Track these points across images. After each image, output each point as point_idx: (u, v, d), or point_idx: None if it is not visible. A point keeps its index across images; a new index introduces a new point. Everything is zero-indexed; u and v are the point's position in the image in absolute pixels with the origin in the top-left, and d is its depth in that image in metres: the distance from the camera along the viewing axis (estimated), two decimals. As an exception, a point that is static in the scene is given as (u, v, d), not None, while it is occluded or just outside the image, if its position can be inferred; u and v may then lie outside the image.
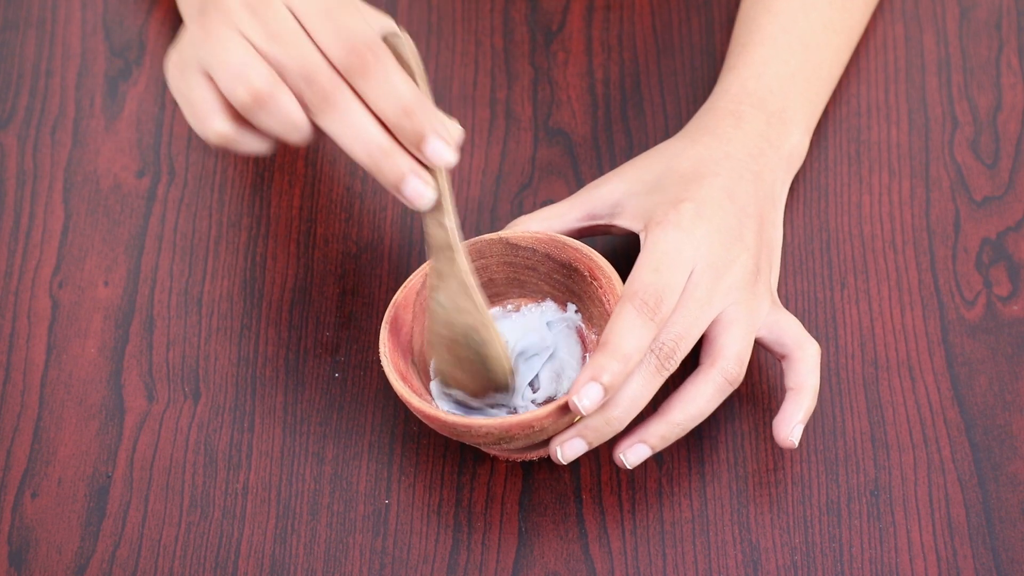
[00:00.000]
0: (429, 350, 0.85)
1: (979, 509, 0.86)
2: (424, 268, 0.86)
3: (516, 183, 0.97)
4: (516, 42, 1.02)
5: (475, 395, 0.84)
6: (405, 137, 0.77)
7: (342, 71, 0.76)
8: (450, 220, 0.80)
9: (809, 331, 0.91)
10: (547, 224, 0.88)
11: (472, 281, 0.82)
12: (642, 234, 0.85)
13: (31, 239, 0.95)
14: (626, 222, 0.87)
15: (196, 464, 0.88)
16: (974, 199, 0.96)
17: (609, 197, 0.88)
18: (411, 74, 0.78)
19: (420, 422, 0.88)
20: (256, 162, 0.98)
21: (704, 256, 0.83)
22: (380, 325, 0.92)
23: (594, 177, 0.97)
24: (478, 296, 0.82)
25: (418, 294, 0.86)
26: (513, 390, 0.84)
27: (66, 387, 0.90)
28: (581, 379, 0.79)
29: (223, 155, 0.98)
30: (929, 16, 1.03)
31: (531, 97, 1.00)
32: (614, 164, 0.97)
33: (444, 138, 0.77)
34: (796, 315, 0.92)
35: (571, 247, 0.86)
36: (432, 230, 0.81)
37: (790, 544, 0.85)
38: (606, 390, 0.79)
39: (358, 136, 0.76)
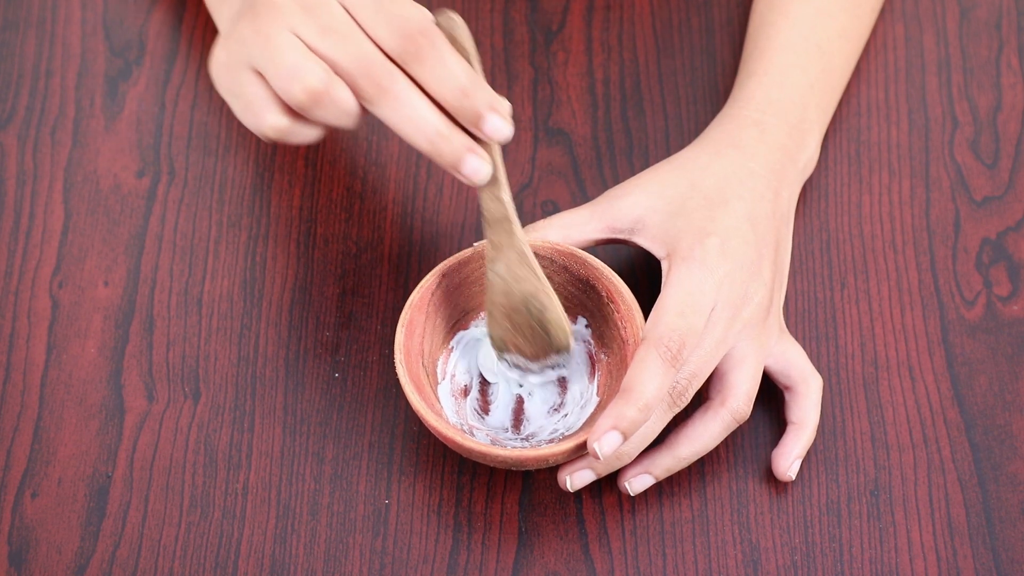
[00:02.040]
0: (488, 319, 0.86)
1: (979, 509, 0.86)
2: (439, 269, 0.86)
3: (516, 183, 0.97)
4: (516, 42, 1.02)
5: (533, 358, 0.86)
6: (464, 117, 0.78)
7: (397, 59, 0.77)
8: (505, 193, 0.81)
9: (809, 331, 0.91)
10: (566, 233, 0.88)
11: (529, 251, 0.83)
12: (664, 263, 0.85)
13: (31, 239, 0.95)
14: (647, 243, 0.87)
15: (196, 464, 0.88)
16: (974, 199, 0.96)
17: (631, 212, 0.87)
18: (464, 54, 0.79)
19: (420, 422, 0.88)
20: (256, 162, 0.98)
21: (725, 295, 0.84)
22: (380, 325, 0.92)
23: (594, 178, 0.97)
24: (535, 264, 0.83)
25: (433, 294, 0.86)
26: (572, 350, 0.85)
27: (66, 387, 0.90)
28: (602, 425, 0.80)
29: (223, 155, 0.98)
30: (929, 16, 1.03)
31: (531, 97, 1.00)
32: (614, 164, 0.97)
33: (501, 114, 0.78)
34: (796, 315, 0.92)
35: (592, 265, 0.86)
36: (488, 204, 0.82)
37: (790, 544, 0.85)
38: (624, 437, 0.80)
39: (415, 123, 0.78)
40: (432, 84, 0.77)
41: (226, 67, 0.80)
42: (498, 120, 0.78)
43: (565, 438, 0.83)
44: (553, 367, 0.86)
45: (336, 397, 0.90)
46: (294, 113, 0.79)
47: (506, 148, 0.98)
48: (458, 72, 0.77)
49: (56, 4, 1.04)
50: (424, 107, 0.78)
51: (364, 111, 0.79)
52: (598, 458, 0.80)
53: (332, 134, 0.99)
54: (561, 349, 0.85)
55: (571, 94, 1.00)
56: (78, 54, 1.02)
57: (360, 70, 0.77)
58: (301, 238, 0.95)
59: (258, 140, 0.99)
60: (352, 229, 0.95)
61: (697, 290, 0.83)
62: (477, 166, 0.79)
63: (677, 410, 0.83)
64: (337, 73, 0.77)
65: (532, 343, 0.85)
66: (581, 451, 0.82)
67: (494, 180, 0.81)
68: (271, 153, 0.98)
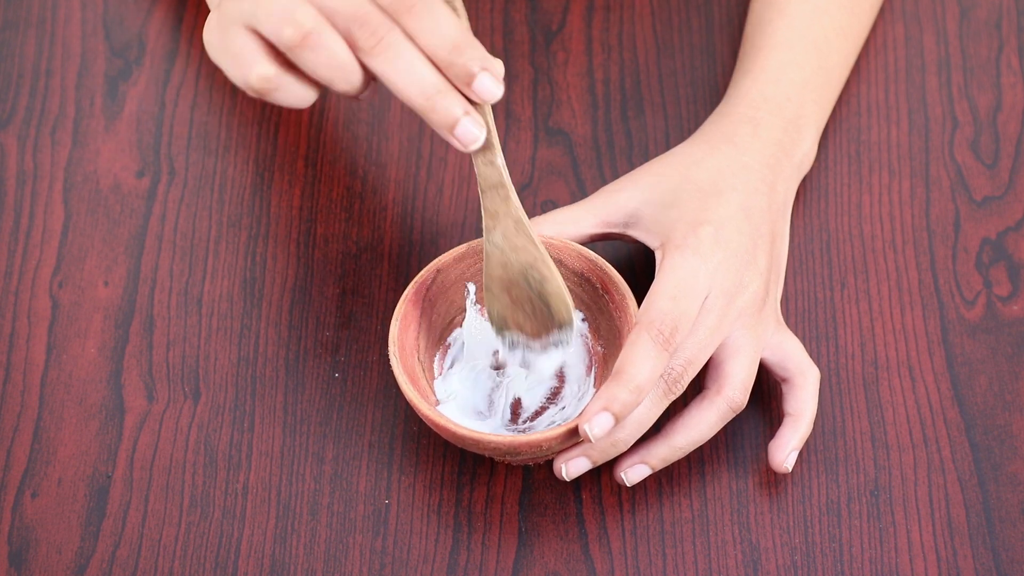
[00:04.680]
0: (486, 294, 0.84)
1: (979, 509, 0.86)
2: (435, 264, 0.86)
3: (516, 183, 0.97)
4: (516, 42, 1.02)
5: (535, 335, 0.84)
6: (455, 74, 0.76)
7: (389, 11, 0.76)
8: (499, 158, 0.80)
9: (809, 331, 0.91)
10: (561, 229, 0.88)
11: (526, 218, 0.81)
12: (658, 252, 0.85)
13: (31, 239, 0.95)
14: (642, 235, 0.87)
15: (196, 464, 0.88)
16: (974, 199, 0.96)
17: (625, 206, 0.87)
18: (452, 8, 0.78)
19: (420, 422, 0.88)
20: (256, 162, 0.98)
21: (719, 283, 0.84)
22: (380, 325, 0.92)
23: (594, 177, 0.97)
24: (533, 232, 0.82)
25: (428, 289, 0.86)
26: (574, 326, 0.83)
27: (66, 387, 0.90)
28: (593, 407, 0.80)
29: (223, 155, 0.98)
30: (929, 16, 1.03)
31: (531, 97, 1.00)
32: (614, 164, 0.97)
33: (494, 74, 0.76)
34: (796, 315, 0.92)
35: (585, 257, 0.86)
36: (483, 170, 0.80)
37: (790, 544, 0.85)
38: (616, 419, 0.80)
39: (412, 76, 0.76)
40: (424, 38, 0.76)
41: (218, 28, 0.78)
42: (489, 80, 0.76)
43: (560, 425, 0.83)
44: (556, 344, 0.84)
45: (336, 397, 0.90)
46: (285, 65, 0.77)
47: (506, 148, 0.98)
48: (451, 27, 0.76)
49: (56, 4, 1.04)
50: (421, 61, 0.76)
51: (366, 77, 0.77)
52: (590, 440, 0.80)
53: (331, 133, 0.99)
54: (563, 324, 0.83)
55: (571, 94, 1.00)
56: (78, 54, 1.02)
57: (356, 18, 0.75)
58: (301, 238, 0.95)
59: (258, 140, 0.99)
60: (352, 229, 0.95)
61: (690, 276, 0.83)
62: (472, 130, 0.77)
63: (673, 397, 0.83)
64: (333, 23, 0.75)
65: (533, 318, 0.84)
66: (575, 438, 0.81)
67: (488, 144, 0.79)
68: (271, 153, 0.98)
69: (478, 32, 1.03)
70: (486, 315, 0.85)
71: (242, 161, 0.98)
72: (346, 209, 0.96)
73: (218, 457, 0.88)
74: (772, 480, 0.87)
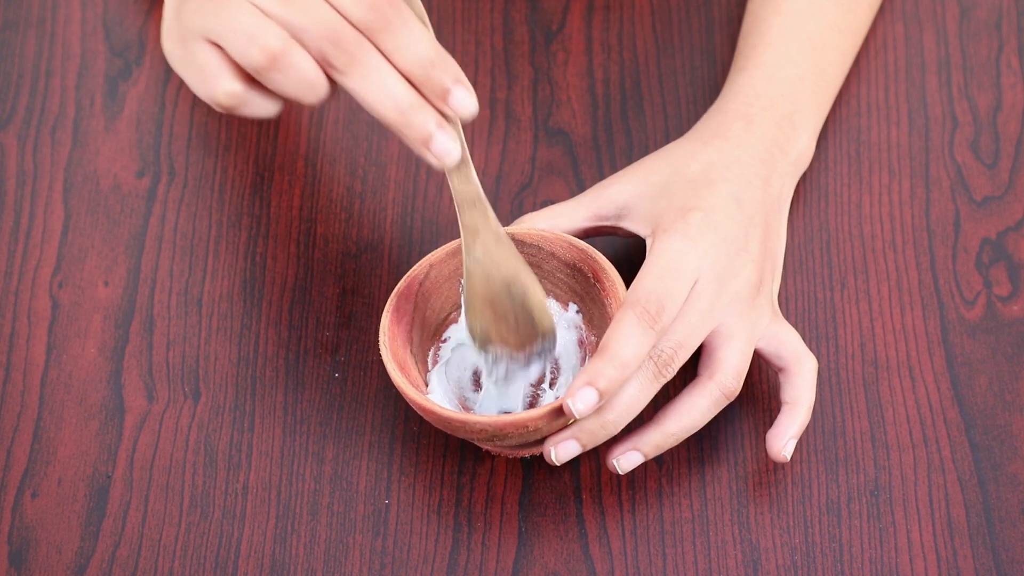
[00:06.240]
0: (467, 312, 0.84)
1: (979, 509, 0.86)
2: (427, 259, 0.86)
3: (516, 183, 0.97)
4: (516, 42, 1.02)
5: (519, 348, 0.84)
6: (430, 90, 0.76)
7: (363, 29, 0.75)
8: (474, 174, 0.79)
9: (809, 331, 0.91)
10: (553, 223, 0.88)
11: (503, 230, 0.82)
12: (649, 239, 0.85)
13: (31, 239, 0.95)
14: (633, 226, 0.87)
15: (196, 464, 0.88)
16: (974, 199, 0.96)
17: (617, 198, 0.88)
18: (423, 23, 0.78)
19: (420, 421, 0.88)
20: (256, 162, 0.98)
21: (710, 266, 0.83)
22: (379, 325, 0.92)
23: (594, 177, 0.97)
24: (511, 245, 0.82)
25: (421, 284, 0.86)
26: (556, 335, 0.84)
27: (66, 387, 0.90)
28: (577, 383, 0.80)
29: (223, 155, 0.98)
30: (929, 16, 1.03)
31: (531, 97, 1.00)
32: (614, 164, 0.97)
33: (468, 89, 0.76)
34: (796, 315, 0.92)
35: (577, 247, 0.86)
36: (460, 186, 0.80)
37: (790, 544, 0.85)
38: (601, 395, 0.80)
39: (386, 93, 0.75)
40: (398, 55, 0.75)
41: (179, 38, 0.78)
42: (464, 94, 0.76)
43: (545, 405, 0.82)
44: (540, 354, 0.84)
45: (336, 397, 0.90)
46: (250, 80, 0.76)
47: (506, 148, 0.98)
48: (426, 44, 0.75)
49: (56, 4, 1.04)
50: (394, 78, 0.75)
51: (332, 87, 0.76)
52: (574, 416, 0.80)
53: (331, 133, 0.99)
54: (546, 333, 0.83)
55: (571, 94, 1.00)
56: (78, 54, 1.02)
57: (330, 38, 0.74)
58: (301, 238, 0.95)
59: (258, 140, 0.99)
60: (352, 229, 0.96)
61: (678, 257, 0.83)
62: (448, 146, 0.76)
63: (663, 380, 0.83)
64: (303, 42, 0.75)
65: (516, 331, 0.83)
66: (562, 418, 0.81)
67: (463, 160, 0.79)
68: (271, 153, 0.98)
69: (478, 32, 1.03)
70: (467, 334, 0.85)
71: (242, 161, 0.98)
72: (346, 209, 0.96)
73: (218, 457, 0.88)
74: (772, 480, 0.87)
